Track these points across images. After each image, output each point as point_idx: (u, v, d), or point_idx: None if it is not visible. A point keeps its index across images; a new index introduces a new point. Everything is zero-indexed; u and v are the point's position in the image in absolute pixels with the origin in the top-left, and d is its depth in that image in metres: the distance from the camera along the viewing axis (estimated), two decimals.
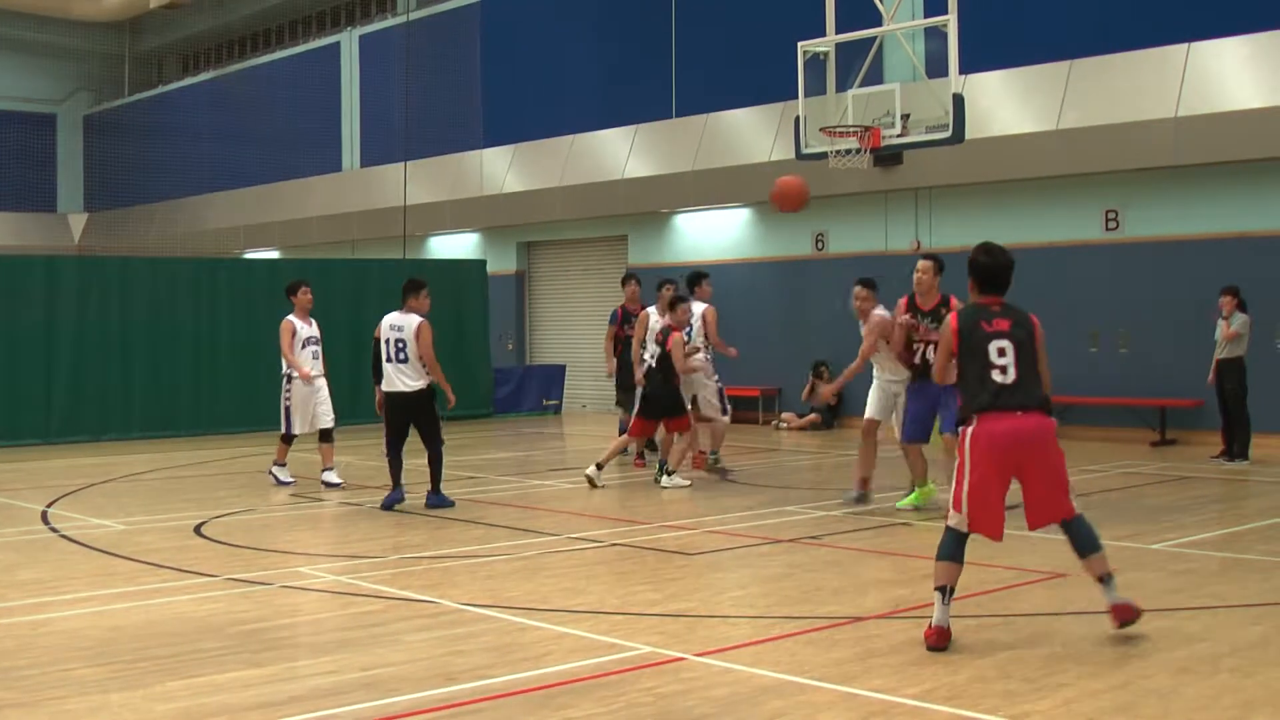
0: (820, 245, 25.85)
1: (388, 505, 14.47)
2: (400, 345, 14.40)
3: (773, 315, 25.98)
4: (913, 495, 14.27)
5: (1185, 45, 20.81)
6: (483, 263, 29.52)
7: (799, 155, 19.89)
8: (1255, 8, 20.25)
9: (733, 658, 8.03)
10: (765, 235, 26.79)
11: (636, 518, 13.98)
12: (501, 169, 31.79)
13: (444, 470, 14.74)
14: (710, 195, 27.12)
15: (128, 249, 39.97)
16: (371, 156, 36.90)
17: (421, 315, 14.51)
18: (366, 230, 34.89)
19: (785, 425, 24.85)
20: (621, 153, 28.86)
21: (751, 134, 26.36)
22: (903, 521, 13.41)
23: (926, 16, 22.27)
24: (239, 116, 41.84)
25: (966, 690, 7.27)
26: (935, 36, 20.33)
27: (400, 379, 14.44)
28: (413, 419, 14.61)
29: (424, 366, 14.41)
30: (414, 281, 14.82)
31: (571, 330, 30.99)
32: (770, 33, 24.49)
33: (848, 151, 18.95)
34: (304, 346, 16.47)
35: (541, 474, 17.22)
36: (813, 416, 24.74)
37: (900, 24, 20.24)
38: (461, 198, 32.49)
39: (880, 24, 19.25)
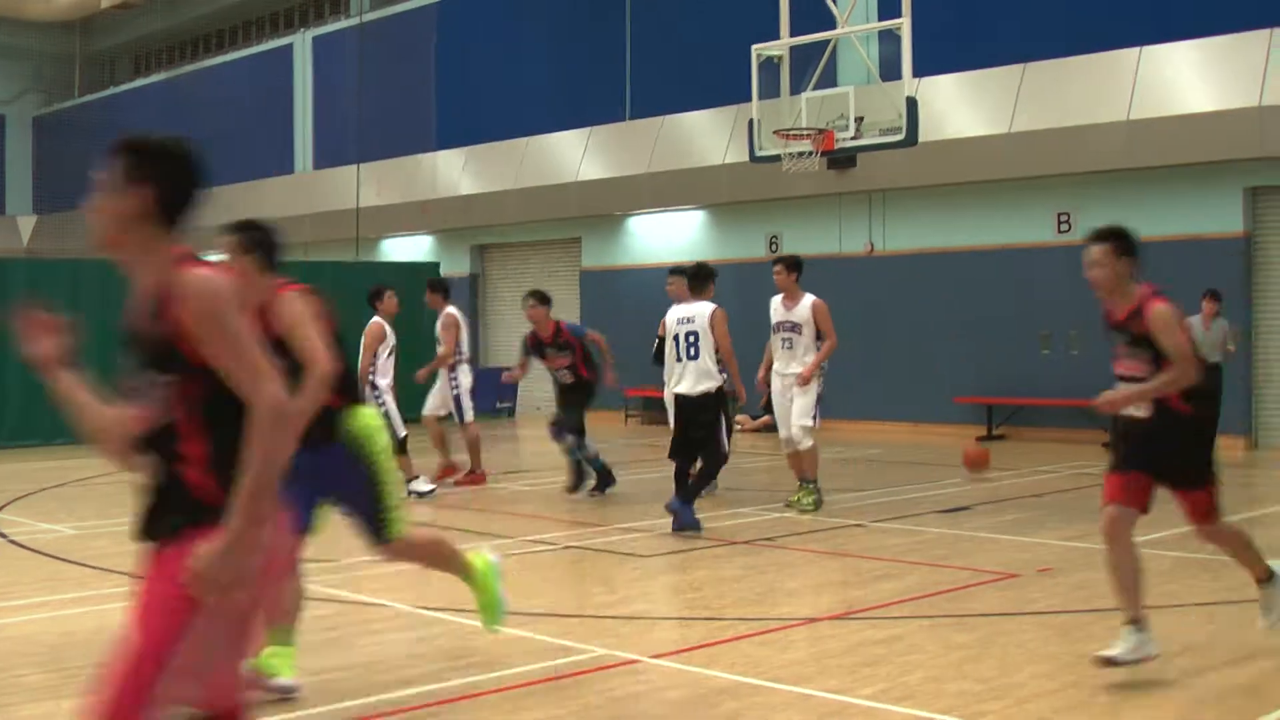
0: (774, 248, 25.90)
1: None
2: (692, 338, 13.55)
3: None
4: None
5: (1137, 49, 20.95)
6: (436, 265, 29.45)
7: (753, 158, 19.96)
8: (1206, 13, 20.41)
9: (687, 659, 8.04)
10: (719, 238, 26.83)
11: (591, 520, 13.98)
12: (455, 171, 31.73)
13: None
14: (664, 198, 27.14)
15: (78, 251, 39.68)
16: (325, 159, 36.78)
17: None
18: (320, 233, 34.74)
19: (740, 427, 24.86)
20: (575, 155, 28.86)
21: (706, 136, 26.40)
22: (856, 524, 13.44)
23: (880, 20, 22.34)
24: (191, 118, 41.53)
25: (920, 690, 7.30)
26: (889, 40, 20.43)
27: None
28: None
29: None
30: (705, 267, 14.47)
31: (525, 333, 30.84)
32: (724, 36, 24.54)
33: (801, 154, 19.02)
34: (389, 355, 16.01)
35: (495, 477, 17.19)
36: (766, 419, 24.72)
37: (854, 27, 20.33)
38: (415, 200, 32.40)
39: (834, 27, 19.34)
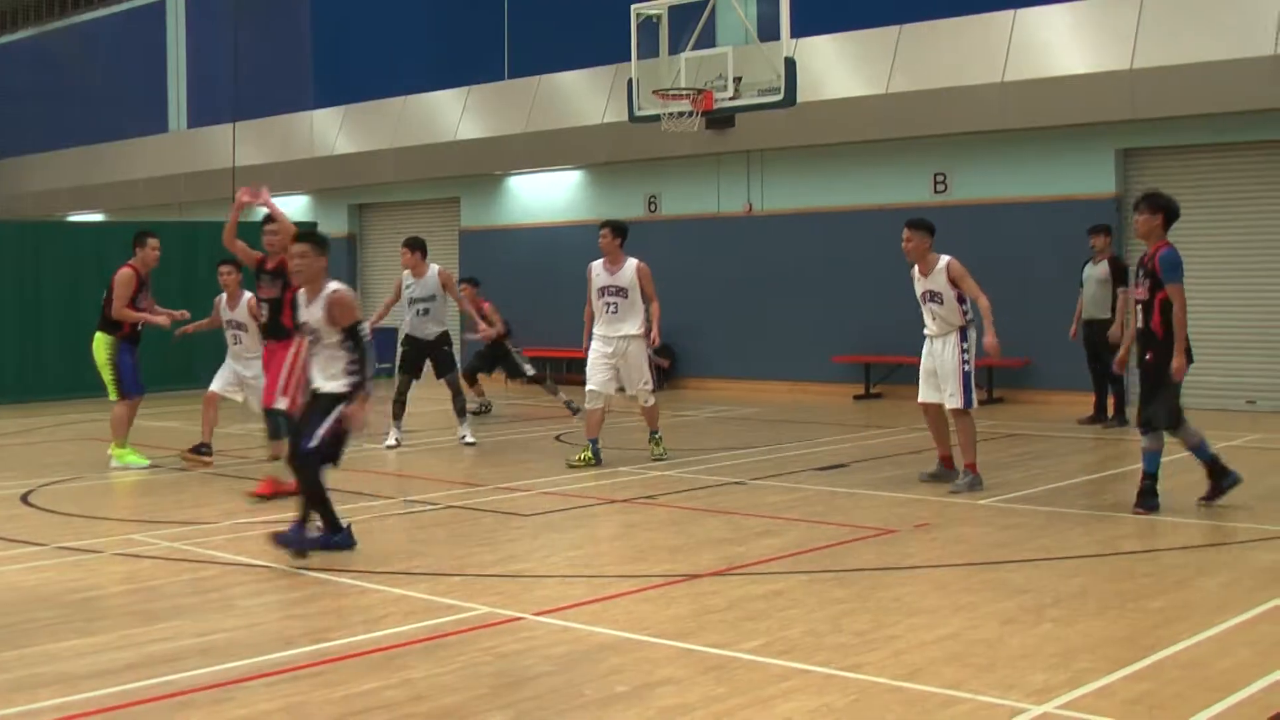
0: (653, 208, 25.96)
1: None
2: None
3: None
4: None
5: (1011, 12, 21.19)
6: (313, 225, 29.21)
7: (632, 118, 19.97)
8: None
9: (571, 616, 8.09)
10: (598, 197, 26.84)
11: (471, 480, 14.00)
12: (332, 130, 31.46)
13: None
14: (543, 157, 27.09)
15: None
16: (199, 117, 36.30)
17: None
18: (195, 193, 34.32)
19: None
20: (454, 114, 28.71)
21: (584, 96, 26.38)
22: (736, 481, 13.56)
23: None
24: (62, 75, 40.91)
25: (800, 643, 7.40)
26: (767, 0, 20.50)
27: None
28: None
29: None
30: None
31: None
32: None
33: (680, 114, 19.05)
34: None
35: (375, 438, 17.15)
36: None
37: None
38: (292, 159, 32.08)
39: None
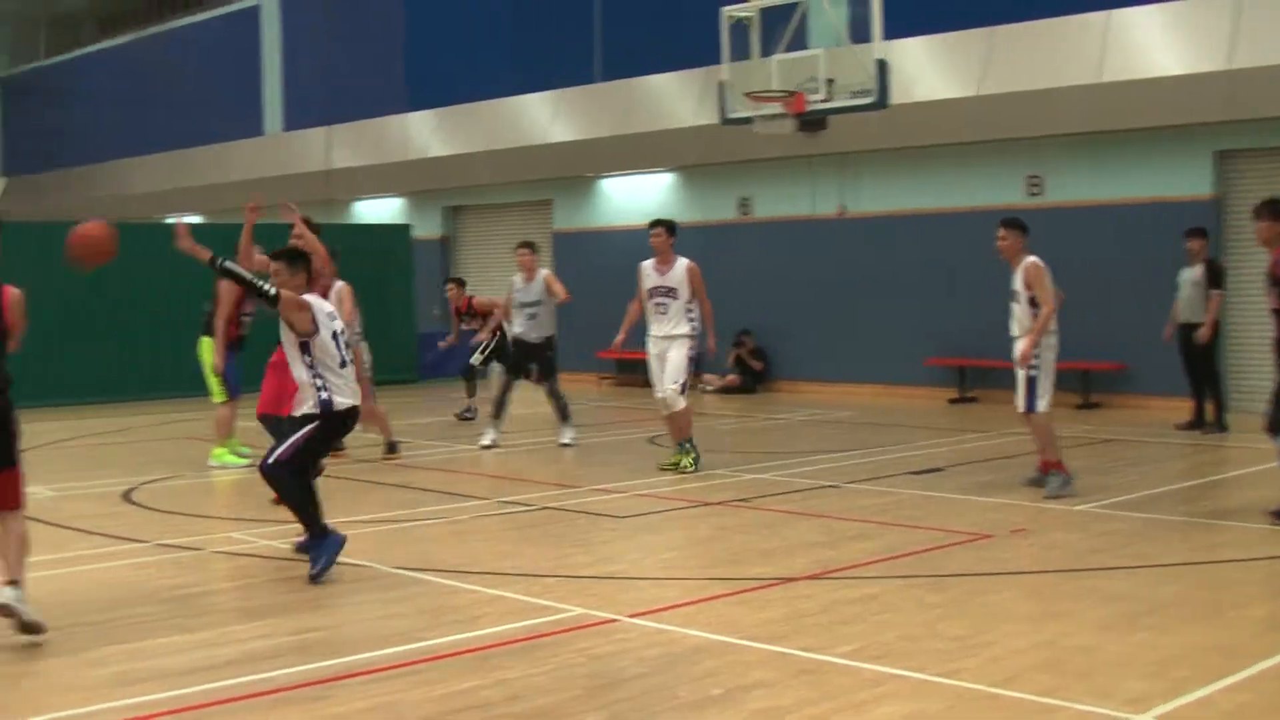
0: (745, 210, 25.94)
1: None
2: None
3: None
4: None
5: (1106, 13, 20.98)
6: (407, 227, 29.44)
7: (724, 120, 19.96)
8: None
9: (665, 619, 8.11)
10: (690, 199, 26.83)
11: (566, 481, 14.05)
12: (426, 133, 31.65)
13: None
14: (634, 160, 27.12)
15: (48, 213, 39.51)
16: (294, 120, 36.63)
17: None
18: (289, 195, 34.43)
19: (709, 387, 24.95)
20: (546, 117, 28.81)
21: (675, 99, 26.38)
22: (830, 485, 13.53)
23: None
24: (159, 80, 41.42)
25: (894, 648, 7.39)
26: (859, 2, 20.41)
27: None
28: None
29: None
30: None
31: (497, 294, 30.82)
32: None
33: (772, 116, 19.02)
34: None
35: (469, 439, 17.24)
36: (730, 378, 24.87)
37: None
38: (386, 162, 32.31)
39: None
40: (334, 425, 9.87)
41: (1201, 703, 6.44)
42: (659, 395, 14.77)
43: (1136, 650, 7.33)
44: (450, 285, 20.99)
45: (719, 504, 12.45)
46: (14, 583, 7.70)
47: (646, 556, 10.26)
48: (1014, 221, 13.16)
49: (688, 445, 14.62)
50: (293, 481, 9.66)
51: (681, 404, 14.57)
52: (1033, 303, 12.67)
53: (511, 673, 7.02)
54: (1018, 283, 12.82)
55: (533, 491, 13.29)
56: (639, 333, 15.52)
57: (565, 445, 16.71)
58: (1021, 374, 12.69)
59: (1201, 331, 17.37)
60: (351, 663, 7.25)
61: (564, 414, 16.96)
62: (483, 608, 8.50)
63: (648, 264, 15.05)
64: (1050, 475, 12.69)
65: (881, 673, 6.96)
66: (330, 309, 10.21)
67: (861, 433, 18.27)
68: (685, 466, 14.45)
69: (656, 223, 15.17)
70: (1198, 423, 17.89)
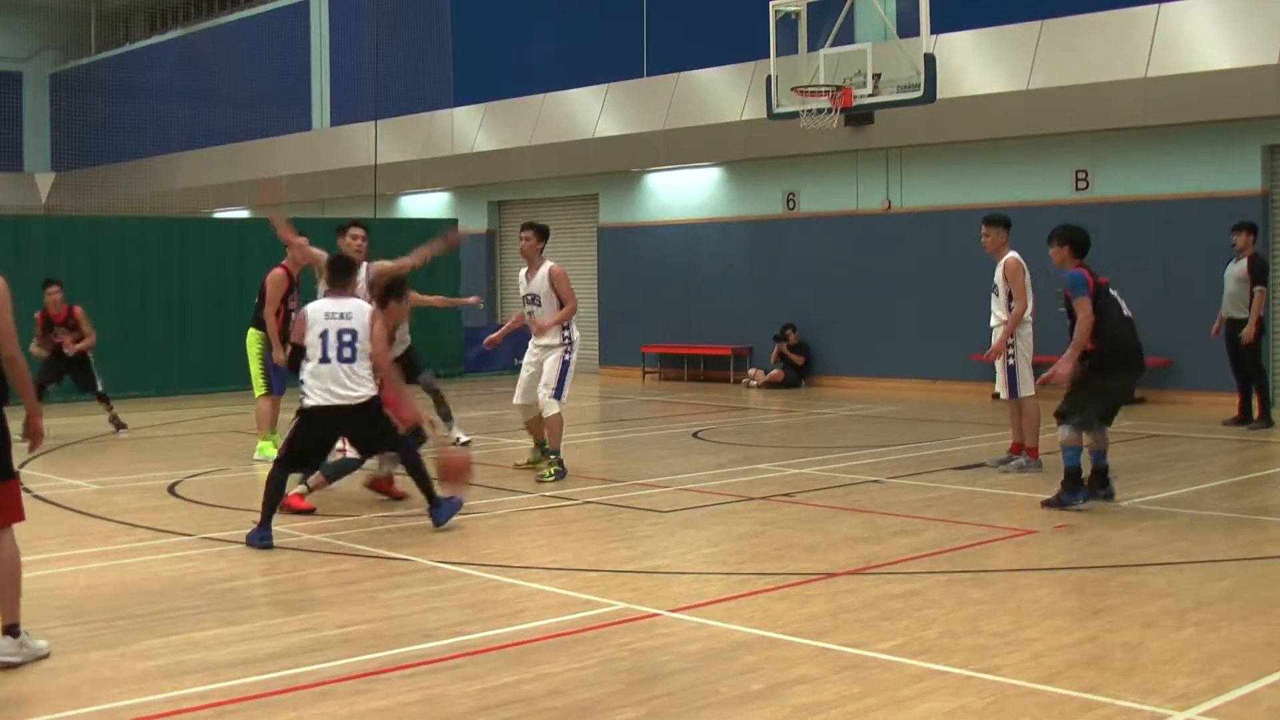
0: (791, 204, 25.89)
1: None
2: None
3: (743, 275, 26.02)
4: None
5: (1155, 6, 20.86)
6: (454, 222, 29.49)
7: (770, 115, 19.95)
8: None
9: (706, 613, 8.11)
10: (736, 195, 26.81)
11: (609, 476, 14.06)
12: (472, 128, 31.71)
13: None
14: (681, 155, 27.09)
15: (96, 208, 39.76)
16: (341, 115, 36.74)
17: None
18: (337, 189, 34.74)
19: (754, 382, 24.93)
20: (592, 112, 28.82)
21: (723, 93, 26.35)
22: (873, 480, 13.50)
23: None
24: (207, 75, 41.60)
25: (937, 644, 7.37)
26: None
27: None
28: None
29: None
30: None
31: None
32: None
33: (819, 111, 19.00)
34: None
35: (513, 433, 17.27)
36: (775, 373, 24.84)
37: None
38: (432, 156, 32.38)
39: None
40: (308, 423, 10.64)
41: (1246, 699, 6.40)
42: (517, 401, 14.25)
43: (1180, 647, 7.28)
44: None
45: (762, 499, 12.44)
46: (12, 629, 7.22)
47: (689, 551, 10.26)
48: (996, 219, 14.11)
49: (554, 455, 13.77)
50: (276, 470, 10.63)
51: (554, 409, 13.73)
52: (1010, 297, 13.61)
53: (553, 667, 7.03)
54: (998, 277, 13.72)
55: (576, 486, 13.29)
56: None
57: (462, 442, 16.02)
58: (999, 364, 13.69)
59: (1246, 331, 17.26)
60: (394, 656, 7.27)
61: (447, 415, 16.29)
62: (525, 602, 8.52)
63: (522, 270, 14.30)
64: (1020, 456, 13.71)
65: (924, 668, 6.94)
66: (331, 309, 10.52)
67: (905, 428, 18.22)
68: (545, 476, 13.55)
69: (525, 226, 14.27)
70: (1244, 418, 17.79)
